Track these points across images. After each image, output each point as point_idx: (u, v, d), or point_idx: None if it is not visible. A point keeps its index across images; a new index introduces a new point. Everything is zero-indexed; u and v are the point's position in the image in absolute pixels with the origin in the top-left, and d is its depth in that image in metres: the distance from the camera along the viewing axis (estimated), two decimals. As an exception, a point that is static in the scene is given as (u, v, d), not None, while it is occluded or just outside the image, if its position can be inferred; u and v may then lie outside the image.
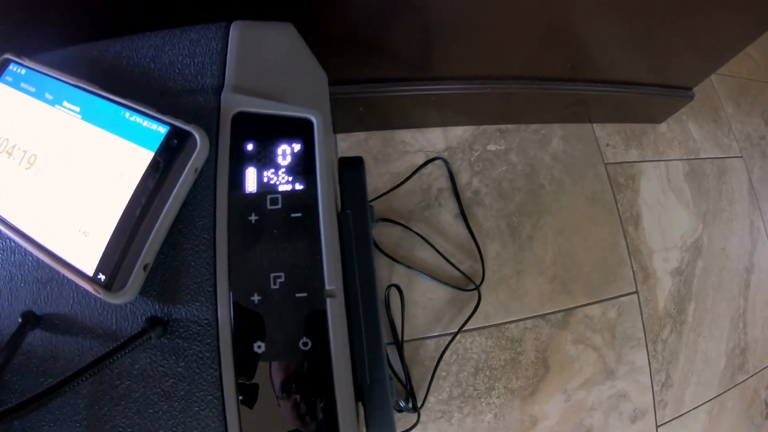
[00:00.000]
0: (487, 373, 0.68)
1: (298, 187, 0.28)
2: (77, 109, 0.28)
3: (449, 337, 0.67)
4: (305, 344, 0.26)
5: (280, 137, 0.29)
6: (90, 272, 0.25)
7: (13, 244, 0.28)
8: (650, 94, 0.81)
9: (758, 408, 0.81)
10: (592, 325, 0.74)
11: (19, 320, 0.26)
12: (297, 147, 0.29)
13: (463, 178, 0.75)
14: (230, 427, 0.25)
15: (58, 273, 0.27)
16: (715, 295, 0.83)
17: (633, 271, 0.79)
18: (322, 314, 0.26)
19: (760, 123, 1.01)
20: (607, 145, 0.86)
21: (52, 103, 0.29)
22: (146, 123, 0.27)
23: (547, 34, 0.63)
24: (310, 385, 0.25)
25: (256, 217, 0.28)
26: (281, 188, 0.28)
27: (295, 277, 0.27)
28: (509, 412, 0.67)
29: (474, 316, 0.67)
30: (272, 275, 0.27)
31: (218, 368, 0.26)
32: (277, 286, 0.26)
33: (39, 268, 0.27)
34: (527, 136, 0.81)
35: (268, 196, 0.28)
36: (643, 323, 0.77)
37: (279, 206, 0.28)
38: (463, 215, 0.72)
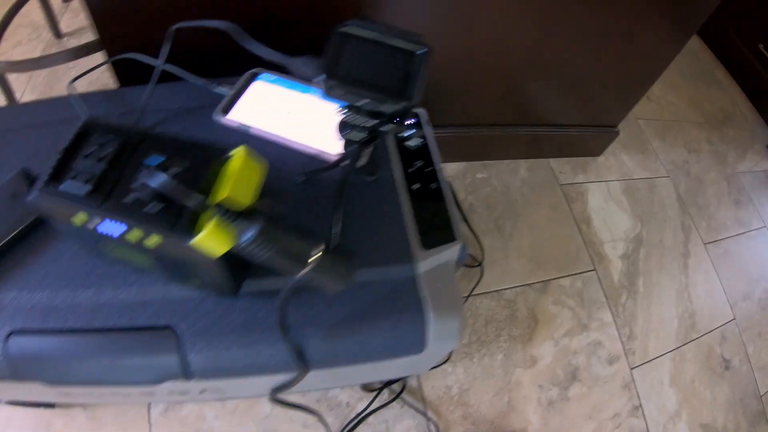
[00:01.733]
0: (494, 325, 0.98)
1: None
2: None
3: (463, 300, 0.98)
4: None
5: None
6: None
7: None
8: (585, 132, 1.18)
9: (716, 360, 1.05)
10: (565, 292, 1.05)
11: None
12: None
13: (461, 195, 1.12)
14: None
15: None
16: (659, 273, 1.14)
17: (590, 255, 1.11)
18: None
19: (683, 151, 1.37)
20: (560, 172, 1.23)
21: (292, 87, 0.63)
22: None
23: (505, 93, 1.00)
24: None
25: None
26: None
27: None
28: (514, 353, 0.97)
29: (479, 284, 1.00)
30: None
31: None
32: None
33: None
34: (502, 168, 1.18)
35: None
36: (603, 291, 1.07)
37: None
38: (465, 219, 1.07)
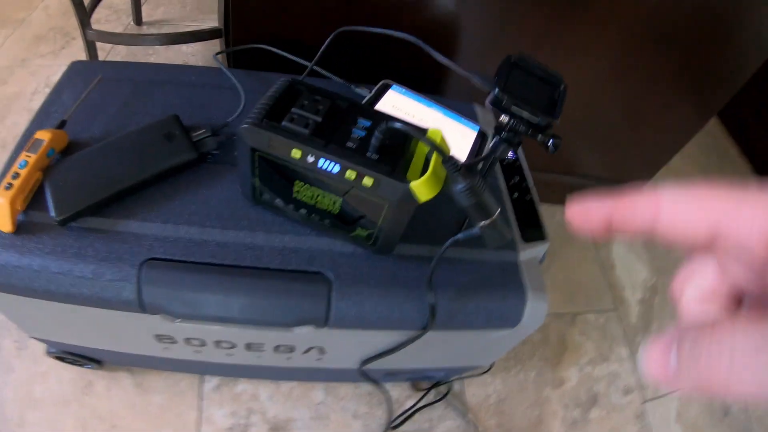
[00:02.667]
0: (530, 345, 1.05)
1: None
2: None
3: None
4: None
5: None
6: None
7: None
8: (618, 187, 1.30)
9: (718, 405, 1.12)
10: (590, 325, 1.13)
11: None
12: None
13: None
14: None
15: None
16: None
17: (612, 296, 1.21)
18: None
19: None
20: (590, 220, 1.33)
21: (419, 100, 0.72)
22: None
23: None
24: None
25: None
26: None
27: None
28: (545, 373, 1.03)
29: (518, 305, 1.07)
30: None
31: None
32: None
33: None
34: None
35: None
36: (623, 329, 1.16)
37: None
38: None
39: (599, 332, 1.13)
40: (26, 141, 0.58)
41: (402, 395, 0.91)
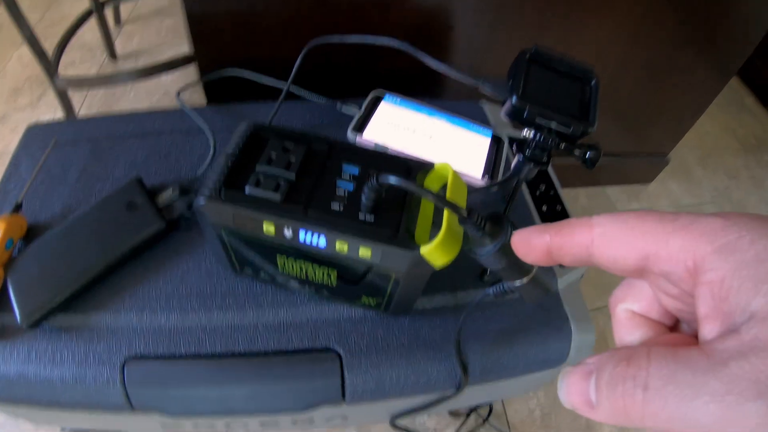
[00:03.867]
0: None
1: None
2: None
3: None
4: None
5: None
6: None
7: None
8: (639, 160, 1.19)
9: None
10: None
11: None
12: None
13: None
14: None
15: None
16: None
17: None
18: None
19: (724, 178, 1.39)
20: (616, 200, 1.23)
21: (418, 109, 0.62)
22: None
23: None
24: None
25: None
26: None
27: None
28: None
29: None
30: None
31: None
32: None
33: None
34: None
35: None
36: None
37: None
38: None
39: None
40: None
41: (440, 424, 0.83)
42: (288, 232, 0.36)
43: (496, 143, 0.62)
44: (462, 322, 0.44)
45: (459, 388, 0.48)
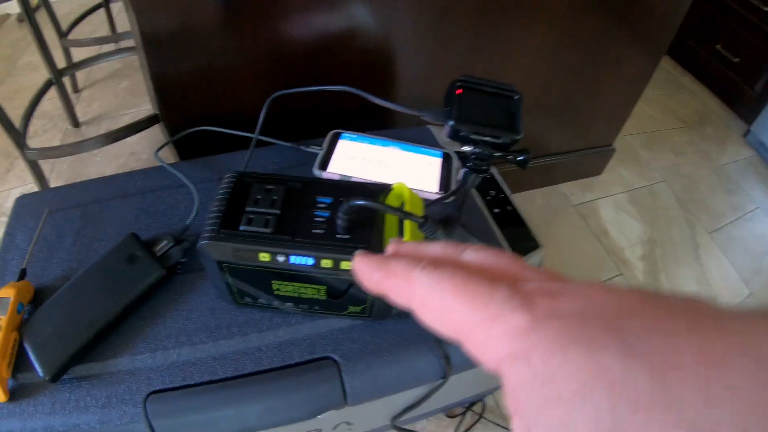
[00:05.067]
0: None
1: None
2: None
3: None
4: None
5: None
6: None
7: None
8: (586, 154, 1.30)
9: None
10: (602, 296, 1.12)
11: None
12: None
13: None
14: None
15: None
16: (676, 267, 1.23)
17: (614, 262, 1.20)
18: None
19: (671, 156, 1.51)
20: (571, 194, 1.33)
21: (373, 142, 0.69)
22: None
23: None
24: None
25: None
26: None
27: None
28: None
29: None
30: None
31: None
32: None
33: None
34: (520, 199, 1.27)
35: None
36: (634, 291, 1.15)
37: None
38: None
39: (612, 301, 1.12)
40: None
41: (440, 426, 0.89)
42: (281, 258, 0.43)
43: (446, 161, 0.70)
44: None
45: (445, 376, 0.55)
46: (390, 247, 0.23)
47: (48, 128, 1.42)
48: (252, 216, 0.44)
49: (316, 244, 0.43)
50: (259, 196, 0.46)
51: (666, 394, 0.12)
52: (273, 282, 0.47)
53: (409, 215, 0.38)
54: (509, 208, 0.69)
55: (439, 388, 0.57)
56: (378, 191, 0.46)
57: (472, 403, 0.90)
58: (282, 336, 0.53)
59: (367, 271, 0.21)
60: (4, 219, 1.26)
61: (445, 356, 0.54)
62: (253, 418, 0.52)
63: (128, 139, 1.33)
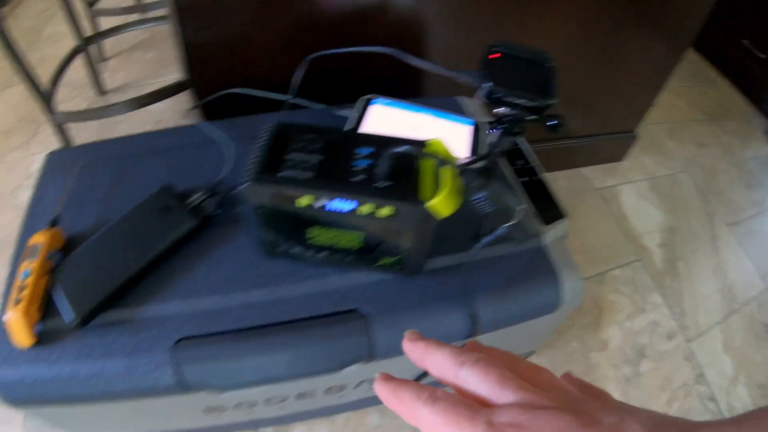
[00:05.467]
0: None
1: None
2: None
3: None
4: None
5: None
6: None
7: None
8: (609, 139, 1.29)
9: (759, 326, 1.12)
10: (619, 281, 1.12)
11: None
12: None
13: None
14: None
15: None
16: (694, 256, 1.22)
17: (633, 247, 1.20)
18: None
19: (693, 147, 1.49)
20: (593, 178, 1.32)
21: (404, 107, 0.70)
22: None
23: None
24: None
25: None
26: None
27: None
28: (588, 340, 1.02)
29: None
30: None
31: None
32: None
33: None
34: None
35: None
36: (650, 277, 1.15)
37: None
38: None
39: (630, 286, 1.12)
40: (22, 248, 0.57)
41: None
42: (321, 202, 0.44)
43: (477, 130, 0.70)
44: (467, 272, 0.52)
45: (472, 335, 0.55)
46: (405, 339, 0.27)
47: (74, 96, 1.44)
48: (294, 161, 0.45)
49: (355, 190, 0.44)
50: (300, 144, 0.46)
51: None
52: (309, 229, 0.48)
53: (449, 162, 0.39)
54: (536, 178, 0.69)
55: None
56: (416, 143, 0.47)
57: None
58: (312, 288, 0.54)
59: (384, 395, 0.24)
60: (30, 182, 1.28)
61: (474, 315, 0.54)
62: (280, 367, 0.53)
63: (154, 108, 1.34)
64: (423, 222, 0.45)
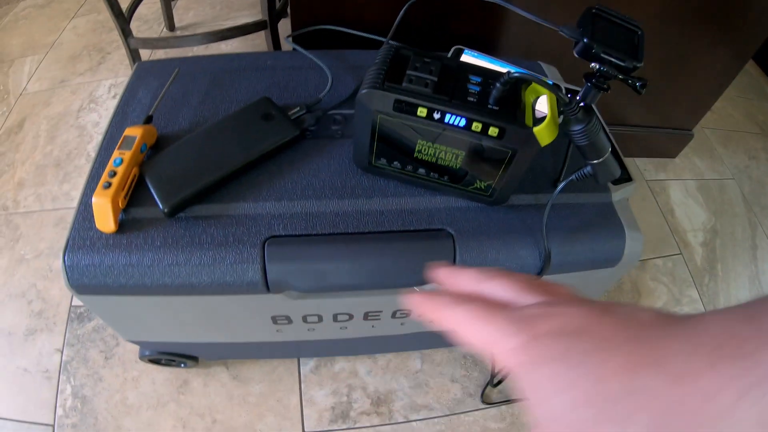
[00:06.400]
0: (606, 296, 1.06)
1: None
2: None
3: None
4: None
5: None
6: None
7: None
8: (665, 133, 1.30)
9: None
10: (659, 270, 1.14)
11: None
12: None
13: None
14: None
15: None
16: (733, 261, 1.23)
17: (676, 241, 1.21)
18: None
19: (744, 158, 1.49)
20: (645, 170, 1.34)
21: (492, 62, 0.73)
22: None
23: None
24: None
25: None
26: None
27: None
28: (621, 322, 1.04)
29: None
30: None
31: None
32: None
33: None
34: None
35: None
36: (690, 272, 1.17)
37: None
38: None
39: (669, 276, 1.14)
40: (112, 140, 0.59)
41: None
42: (437, 115, 0.47)
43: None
44: (548, 210, 0.54)
45: (541, 272, 0.58)
46: (430, 269, 0.28)
47: (143, 30, 1.48)
48: (413, 77, 0.48)
49: (469, 108, 0.46)
50: (418, 64, 0.49)
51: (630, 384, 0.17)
52: (419, 142, 0.51)
53: (558, 93, 0.41)
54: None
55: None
56: (535, 77, 0.49)
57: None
58: (404, 204, 0.57)
59: (417, 301, 0.25)
60: (93, 106, 1.33)
61: (547, 253, 0.57)
62: (365, 275, 0.56)
63: (226, 46, 1.38)
64: (526, 146, 0.47)
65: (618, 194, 0.65)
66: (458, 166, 0.53)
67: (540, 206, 0.59)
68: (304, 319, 0.65)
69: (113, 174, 0.53)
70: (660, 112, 1.25)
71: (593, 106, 0.49)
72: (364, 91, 0.47)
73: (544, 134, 0.46)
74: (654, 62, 1.09)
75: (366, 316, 0.65)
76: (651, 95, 1.18)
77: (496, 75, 0.50)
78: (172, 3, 1.50)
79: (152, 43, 1.12)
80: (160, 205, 0.53)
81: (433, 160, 0.53)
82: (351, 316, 0.65)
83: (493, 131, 0.47)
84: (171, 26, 1.43)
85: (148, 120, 0.61)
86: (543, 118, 0.46)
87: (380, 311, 0.64)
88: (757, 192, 1.41)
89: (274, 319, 0.65)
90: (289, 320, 0.65)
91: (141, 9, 1.41)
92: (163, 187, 0.54)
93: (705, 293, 1.14)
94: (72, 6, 1.64)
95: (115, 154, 0.54)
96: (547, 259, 0.57)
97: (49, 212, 1.11)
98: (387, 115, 0.49)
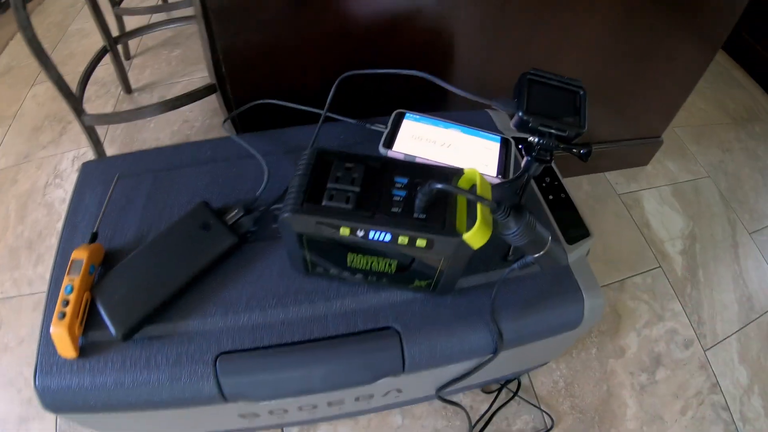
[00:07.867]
0: (583, 323, 1.05)
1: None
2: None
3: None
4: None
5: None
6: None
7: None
8: (634, 144, 1.29)
9: None
10: (638, 288, 1.13)
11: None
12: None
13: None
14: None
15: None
16: (715, 264, 1.22)
17: (654, 254, 1.20)
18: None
19: (718, 152, 1.48)
20: (616, 183, 1.33)
21: (435, 123, 0.72)
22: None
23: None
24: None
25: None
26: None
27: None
28: (605, 346, 1.04)
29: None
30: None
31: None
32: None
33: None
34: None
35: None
36: (671, 284, 1.16)
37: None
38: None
39: (649, 293, 1.13)
40: (62, 260, 0.59)
41: (475, 400, 0.92)
42: (361, 233, 0.46)
43: (504, 145, 0.71)
44: (495, 294, 0.54)
45: (496, 351, 0.57)
46: None
47: (101, 94, 1.47)
48: (334, 192, 0.47)
49: (394, 222, 0.45)
50: (339, 173, 0.48)
51: None
52: (348, 255, 0.50)
53: (484, 200, 0.40)
54: (563, 195, 0.70)
55: (489, 363, 0.59)
56: (452, 174, 0.48)
57: (508, 381, 0.93)
58: (348, 305, 0.56)
59: None
60: (59, 181, 1.32)
61: (499, 333, 0.56)
62: (317, 380, 0.56)
63: (182, 107, 1.37)
64: (458, 252, 0.46)
65: (575, 254, 0.65)
66: (393, 271, 0.52)
67: (491, 285, 0.59)
68: (271, 412, 0.65)
69: (66, 303, 0.54)
70: (628, 123, 1.24)
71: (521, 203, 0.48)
72: (285, 215, 0.47)
73: (475, 239, 0.44)
74: (615, 76, 1.07)
75: (330, 404, 0.65)
76: (617, 108, 1.17)
77: (424, 174, 0.49)
78: (126, 64, 1.49)
79: (106, 119, 1.12)
80: (113, 332, 0.53)
81: (368, 268, 0.52)
82: (315, 406, 0.65)
83: (420, 243, 0.46)
84: (127, 89, 1.42)
85: (94, 238, 0.61)
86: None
87: (342, 398, 0.64)
88: (733, 187, 1.40)
89: (242, 416, 0.65)
90: (256, 415, 0.65)
91: (97, 71, 1.40)
92: (114, 313, 0.54)
93: (688, 303, 1.14)
94: (31, 72, 1.63)
95: (65, 281, 0.55)
96: (500, 339, 0.57)
97: (26, 297, 1.10)
98: (310, 236, 0.48)
